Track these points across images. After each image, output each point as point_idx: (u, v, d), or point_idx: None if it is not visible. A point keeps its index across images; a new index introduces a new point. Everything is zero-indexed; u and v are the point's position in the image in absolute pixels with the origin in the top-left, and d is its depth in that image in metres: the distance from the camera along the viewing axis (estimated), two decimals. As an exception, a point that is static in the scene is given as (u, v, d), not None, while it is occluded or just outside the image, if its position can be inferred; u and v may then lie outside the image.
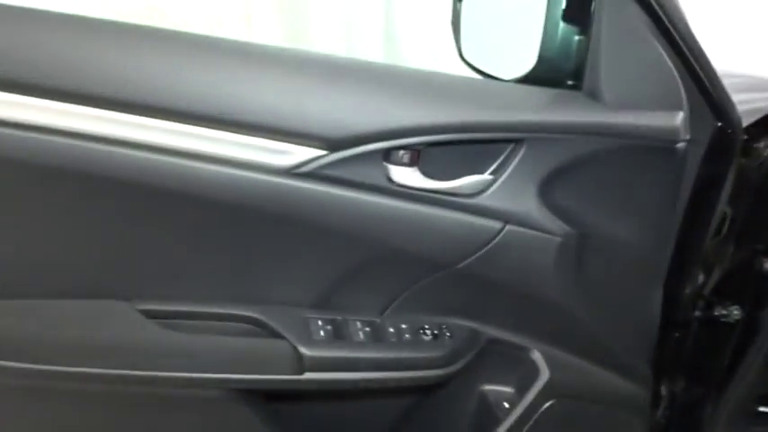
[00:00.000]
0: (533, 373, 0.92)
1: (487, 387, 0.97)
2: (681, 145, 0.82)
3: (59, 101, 0.71)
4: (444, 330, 0.88)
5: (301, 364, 0.79)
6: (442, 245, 0.83)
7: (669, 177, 0.85)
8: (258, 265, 0.82)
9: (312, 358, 0.79)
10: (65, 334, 0.76)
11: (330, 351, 0.80)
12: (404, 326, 0.86)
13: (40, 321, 0.76)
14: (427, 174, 0.81)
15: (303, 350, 0.79)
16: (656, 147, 0.83)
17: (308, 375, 0.79)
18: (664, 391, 1.05)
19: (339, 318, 0.85)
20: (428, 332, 0.86)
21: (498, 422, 0.93)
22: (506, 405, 0.95)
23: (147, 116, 0.73)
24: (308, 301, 0.85)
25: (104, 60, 0.73)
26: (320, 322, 0.83)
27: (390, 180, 0.80)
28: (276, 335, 0.81)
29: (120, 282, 0.80)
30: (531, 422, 0.92)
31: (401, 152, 0.79)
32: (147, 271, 0.80)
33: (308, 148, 0.76)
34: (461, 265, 0.84)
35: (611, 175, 0.85)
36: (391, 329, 0.85)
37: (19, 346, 0.75)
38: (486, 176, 0.82)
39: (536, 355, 0.92)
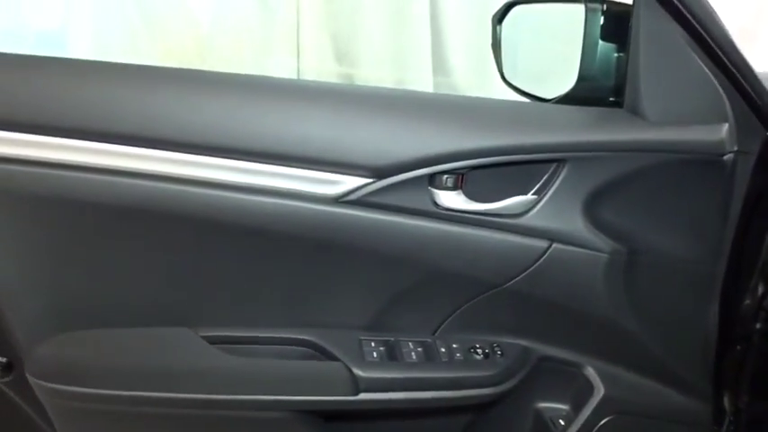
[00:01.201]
0: (588, 389, 0.92)
1: (542, 404, 0.97)
2: (728, 157, 0.82)
3: (123, 144, 0.77)
4: (496, 349, 0.89)
5: (356, 384, 0.82)
6: (489, 265, 0.85)
7: (718, 190, 0.84)
8: (312, 291, 0.86)
9: (366, 379, 0.82)
10: (136, 360, 0.81)
11: (383, 372, 0.83)
12: (455, 345, 0.88)
13: (115, 349, 0.82)
14: (471, 196, 0.83)
15: (357, 371, 0.82)
16: (703, 160, 0.82)
17: (362, 396, 0.82)
18: (727, 406, 1.02)
19: (391, 339, 0.87)
20: (479, 351, 0.88)
21: None
22: (562, 423, 0.95)
23: (202, 155, 0.78)
24: (361, 324, 0.88)
25: (165, 106, 0.78)
26: (373, 343, 0.86)
27: (436, 204, 0.82)
28: (331, 357, 0.84)
29: (183, 310, 0.85)
30: None
31: (445, 176, 0.81)
32: (207, 299, 0.85)
33: (354, 177, 0.80)
34: (509, 284, 0.86)
35: (657, 190, 0.85)
36: (443, 349, 0.87)
37: (96, 372, 0.80)
38: (530, 197, 0.83)
39: (590, 372, 0.92)
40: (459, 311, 0.89)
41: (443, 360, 0.86)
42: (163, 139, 0.77)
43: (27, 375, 0.80)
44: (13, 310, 0.82)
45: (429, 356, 0.86)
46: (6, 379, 0.86)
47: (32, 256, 0.81)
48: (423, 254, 0.84)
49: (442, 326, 0.90)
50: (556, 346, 0.92)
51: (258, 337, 0.86)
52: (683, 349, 0.93)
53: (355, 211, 0.81)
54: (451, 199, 0.82)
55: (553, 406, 0.97)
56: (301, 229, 0.81)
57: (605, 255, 0.84)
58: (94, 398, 0.79)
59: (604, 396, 0.91)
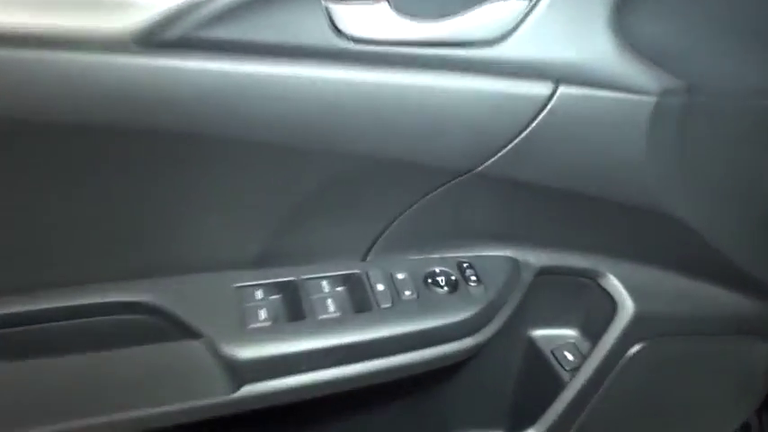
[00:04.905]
0: (608, 307, 0.63)
1: (537, 332, 0.66)
2: None
3: None
4: (467, 272, 0.55)
5: (235, 373, 0.47)
6: (448, 139, 0.48)
7: None
8: (148, 216, 0.48)
9: (250, 363, 0.47)
10: None
11: (279, 344, 0.48)
12: (401, 276, 0.54)
13: None
14: (405, 11, 0.44)
15: (231, 351, 0.46)
16: None
17: (246, 390, 0.47)
18: None
19: (293, 278, 0.52)
20: (441, 281, 0.54)
21: (561, 384, 0.62)
22: (570, 356, 0.64)
23: None
24: (242, 260, 0.52)
25: None
26: (260, 292, 0.50)
27: (339, 32, 0.43)
28: (185, 328, 0.48)
29: None
30: (611, 375, 0.62)
31: None
32: None
33: None
34: (483, 167, 0.50)
35: None
36: (380, 286, 0.53)
37: None
38: (516, 2, 0.44)
39: (612, 282, 0.62)
40: (401, 219, 0.53)
41: (383, 306, 0.51)
42: None
43: None
44: None
45: (358, 301, 0.51)
46: None
47: None
48: (328, 131, 0.46)
49: (375, 245, 0.54)
50: (561, 250, 0.60)
51: (66, 307, 0.48)
52: (749, 236, 0.61)
53: (175, 59, 0.41)
54: (368, 20, 0.43)
55: (555, 333, 0.65)
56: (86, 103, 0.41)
57: (650, 97, 0.48)
58: None
59: (635, 314, 0.61)
